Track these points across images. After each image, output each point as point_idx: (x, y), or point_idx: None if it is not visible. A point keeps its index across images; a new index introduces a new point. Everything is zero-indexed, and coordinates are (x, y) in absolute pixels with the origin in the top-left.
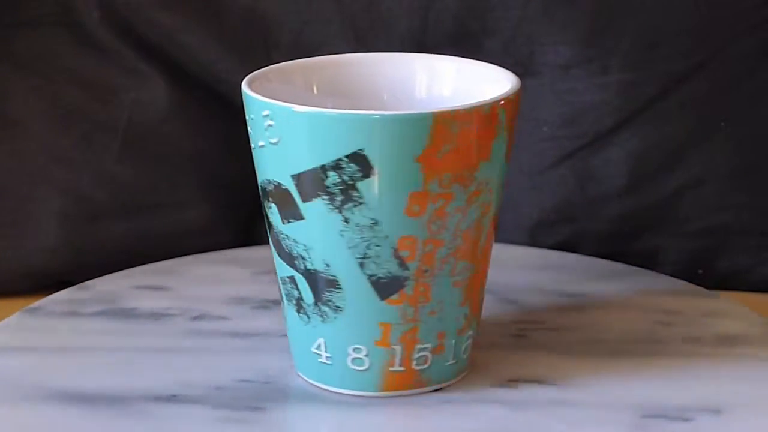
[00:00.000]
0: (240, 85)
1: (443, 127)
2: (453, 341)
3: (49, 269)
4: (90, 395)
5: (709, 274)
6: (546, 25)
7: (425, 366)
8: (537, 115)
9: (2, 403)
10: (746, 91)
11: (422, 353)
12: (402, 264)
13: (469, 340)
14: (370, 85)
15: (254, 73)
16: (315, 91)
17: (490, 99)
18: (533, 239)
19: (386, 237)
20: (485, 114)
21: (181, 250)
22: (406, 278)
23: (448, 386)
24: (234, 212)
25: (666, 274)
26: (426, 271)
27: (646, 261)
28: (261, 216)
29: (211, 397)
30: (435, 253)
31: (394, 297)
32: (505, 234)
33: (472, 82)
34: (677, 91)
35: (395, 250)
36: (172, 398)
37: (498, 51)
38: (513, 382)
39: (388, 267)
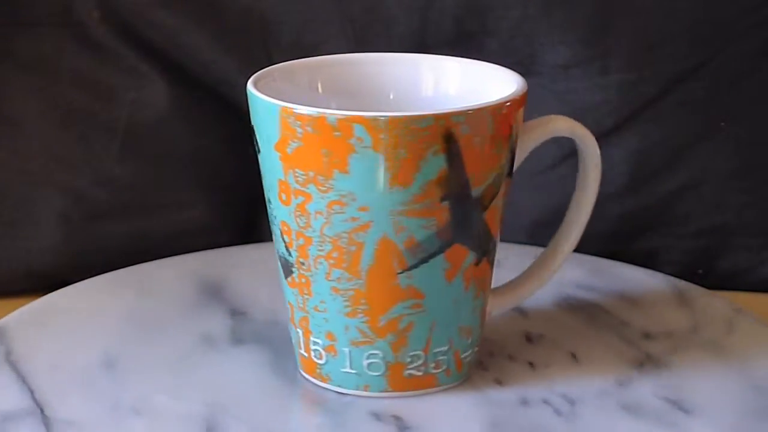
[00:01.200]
0: (241, 84)
1: (287, 123)
2: (347, 350)
3: (49, 269)
4: (209, 283)
5: (709, 274)
6: (546, 25)
7: (321, 361)
8: (537, 115)
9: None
10: (746, 91)
11: (316, 347)
12: (287, 248)
13: (380, 361)
14: (375, 84)
15: (260, 72)
16: (320, 91)
17: (343, 113)
18: (533, 239)
19: (276, 216)
20: (329, 124)
21: (181, 250)
22: (293, 264)
23: (353, 396)
24: (234, 212)
25: (666, 274)
26: (303, 263)
27: (646, 261)
28: (261, 215)
29: (244, 324)
30: (307, 249)
31: (289, 280)
32: (505, 234)
33: (478, 83)
34: (677, 91)
35: (281, 232)
36: (235, 313)
37: (498, 51)
38: (395, 418)
39: (279, 247)
